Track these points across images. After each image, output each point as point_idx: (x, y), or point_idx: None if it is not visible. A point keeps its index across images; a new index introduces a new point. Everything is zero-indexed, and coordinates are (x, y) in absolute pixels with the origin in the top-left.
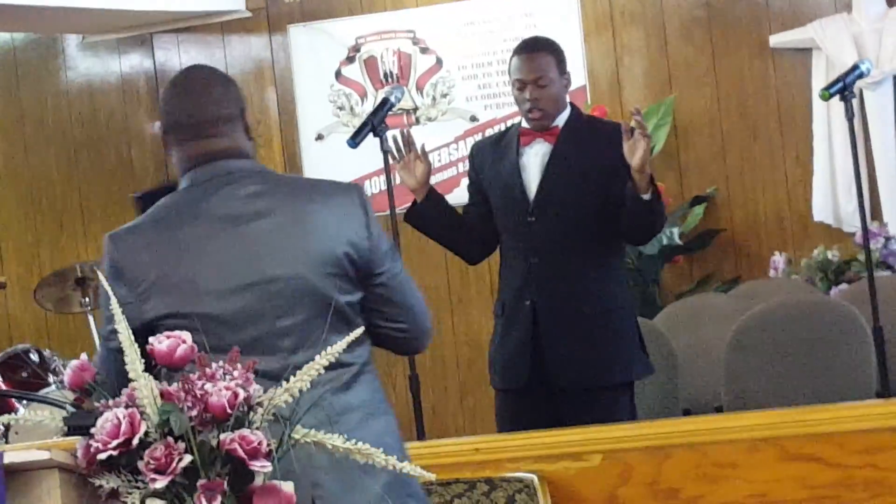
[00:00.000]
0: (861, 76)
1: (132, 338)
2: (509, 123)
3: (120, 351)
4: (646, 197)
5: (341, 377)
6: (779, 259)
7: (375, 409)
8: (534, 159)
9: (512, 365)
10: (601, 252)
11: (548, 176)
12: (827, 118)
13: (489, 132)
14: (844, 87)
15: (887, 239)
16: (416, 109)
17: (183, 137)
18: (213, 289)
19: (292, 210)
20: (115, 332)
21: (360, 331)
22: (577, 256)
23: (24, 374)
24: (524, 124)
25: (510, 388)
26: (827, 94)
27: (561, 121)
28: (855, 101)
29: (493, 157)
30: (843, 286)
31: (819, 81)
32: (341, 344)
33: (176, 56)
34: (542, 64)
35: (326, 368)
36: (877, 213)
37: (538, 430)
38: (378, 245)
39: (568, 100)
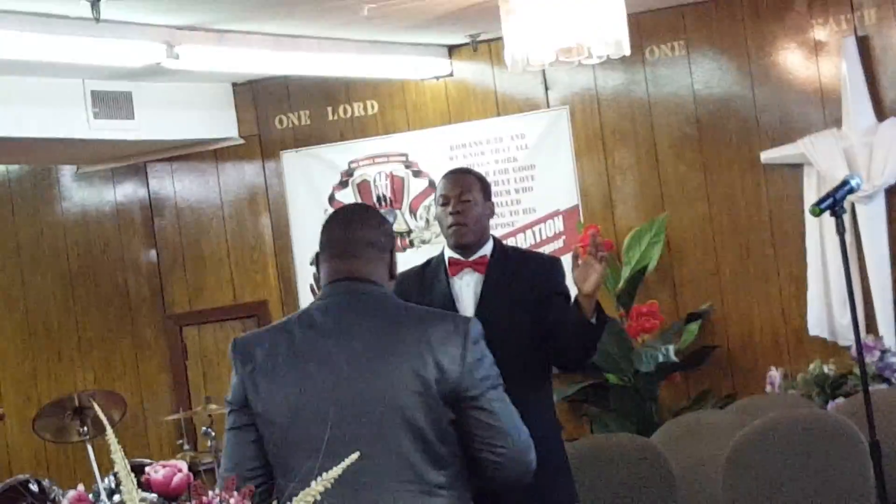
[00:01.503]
0: (851, 191)
1: (128, 467)
2: (431, 255)
3: (234, 429)
4: (592, 320)
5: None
6: (775, 374)
7: None
8: (466, 290)
9: None
10: (534, 379)
11: (483, 306)
12: (820, 233)
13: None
14: (835, 203)
15: (883, 352)
16: (409, 232)
17: (329, 255)
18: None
19: (389, 332)
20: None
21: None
22: (513, 385)
23: None
24: (449, 253)
25: None
26: (818, 211)
27: (487, 250)
28: (847, 216)
29: (419, 287)
30: (840, 400)
31: (811, 196)
32: (336, 470)
33: (170, 184)
34: (467, 182)
35: (406, 481)
36: (872, 327)
37: None
38: (473, 370)
39: (490, 232)
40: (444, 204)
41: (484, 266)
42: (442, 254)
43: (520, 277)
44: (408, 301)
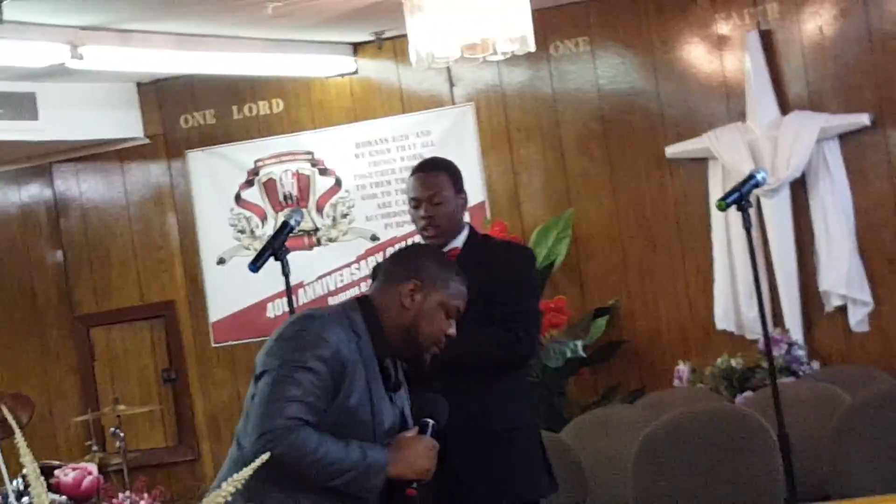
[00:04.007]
0: (757, 185)
1: (38, 470)
2: (409, 242)
3: None
4: None
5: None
6: (683, 368)
7: None
8: None
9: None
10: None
11: None
12: (725, 227)
13: (389, 251)
14: (741, 197)
15: (790, 345)
16: (316, 230)
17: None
18: None
19: None
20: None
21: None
22: (479, 377)
23: None
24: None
25: None
26: (723, 205)
27: (459, 241)
28: (753, 210)
29: None
30: (748, 393)
31: (716, 190)
32: (246, 471)
33: (76, 185)
34: (437, 182)
35: None
36: (779, 320)
37: None
38: (265, 350)
39: (465, 220)
40: (416, 207)
41: (454, 258)
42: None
43: (488, 268)
44: None
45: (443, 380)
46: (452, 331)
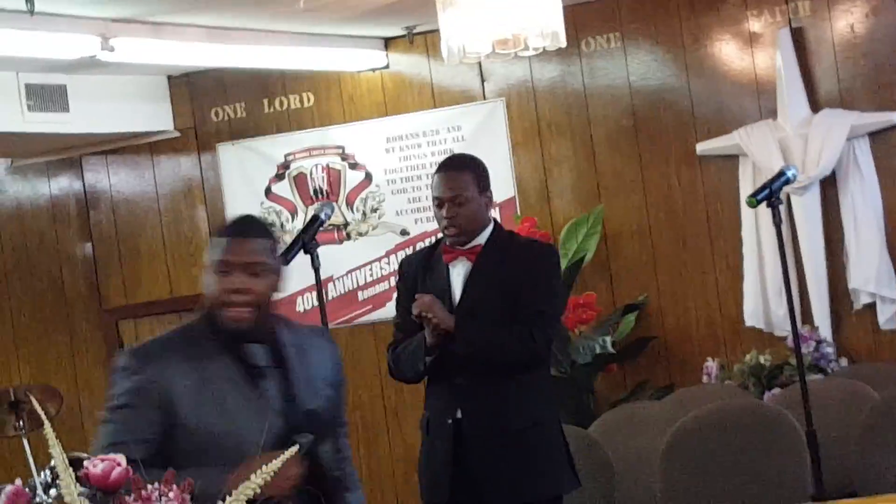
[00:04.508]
0: (787, 182)
1: (66, 461)
2: (440, 236)
3: None
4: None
5: None
6: (711, 365)
7: None
8: (456, 278)
9: (436, 482)
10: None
11: (466, 295)
12: (755, 224)
13: (420, 246)
14: (771, 194)
15: (818, 342)
16: (346, 225)
17: None
18: None
19: None
20: None
21: None
22: (498, 374)
23: None
24: (447, 240)
25: None
26: (754, 202)
27: (483, 238)
28: (782, 207)
29: (423, 271)
30: (776, 390)
31: (746, 187)
32: (276, 462)
33: (105, 177)
34: (461, 182)
35: None
36: (807, 317)
37: None
38: None
39: (491, 216)
40: (439, 206)
41: (475, 255)
42: (444, 238)
43: (508, 265)
44: (412, 286)
45: (464, 376)
46: (229, 283)
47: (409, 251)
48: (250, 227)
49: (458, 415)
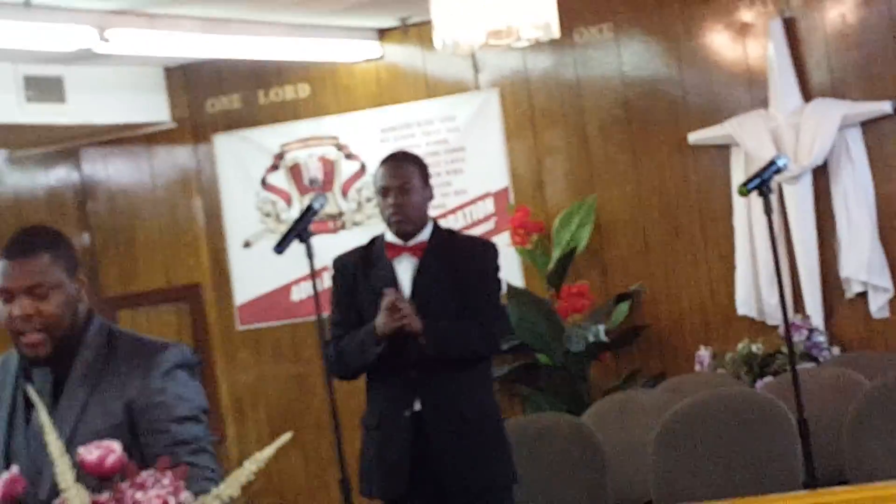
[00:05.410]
0: (778, 171)
1: (62, 448)
2: (375, 234)
3: None
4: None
5: None
6: (704, 353)
7: None
8: (403, 274)
9: (393, 475)
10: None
11: (417, 290)
12: (747, 213)
13: None
14: (762, 183)
15: (810, 331)
16: (341, 214)
17: None
18: None
19: None
20: None
21: None
22: (451, 367)
23: None
24: (388, 238)
25: (392, 498)
26: (745, 190)
27: (425, 235)
28: (774, 196)
29: (363, 268)
30: (768, 379)
31: (738, 177)
32: (268, 451)
33: (103, 168)
34: (407, 172)
35: None
36: (799, 306)
37: None
38: None
39: (430, 215)
40: (384, 196)
41: (421, 251)
42: (383, 235)
43: (454, 262)
44: (351, 286)
45: (417, 369)
46: (15, 310)
47: None
48: (29, 245)
49: (417, 407)
